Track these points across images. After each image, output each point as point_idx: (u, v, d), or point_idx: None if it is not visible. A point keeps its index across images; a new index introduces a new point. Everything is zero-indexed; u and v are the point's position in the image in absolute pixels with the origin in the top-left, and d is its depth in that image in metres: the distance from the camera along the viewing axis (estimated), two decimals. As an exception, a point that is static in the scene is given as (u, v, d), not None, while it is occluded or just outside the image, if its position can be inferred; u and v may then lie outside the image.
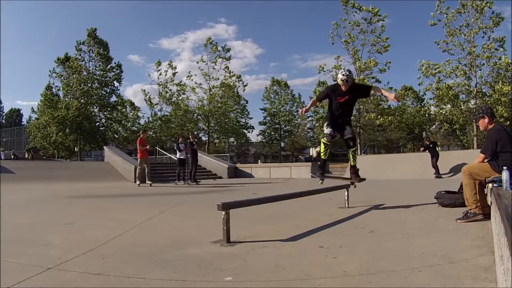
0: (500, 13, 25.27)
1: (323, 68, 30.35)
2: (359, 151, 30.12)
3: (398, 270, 2.39)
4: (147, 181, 12.63)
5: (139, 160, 12.91)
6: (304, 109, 5.74)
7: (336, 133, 5.41)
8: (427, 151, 14.31)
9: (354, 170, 5.60)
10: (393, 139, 47.02)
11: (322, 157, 5.58)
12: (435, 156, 13.69)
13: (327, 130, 5.35)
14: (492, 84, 25.88)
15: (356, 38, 29.12)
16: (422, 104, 41.46)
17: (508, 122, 24.63)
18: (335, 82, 5.30)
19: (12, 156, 35.37)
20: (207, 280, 2.35)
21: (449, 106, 27.14)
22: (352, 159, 5.58)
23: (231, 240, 3.36)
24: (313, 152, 62.82)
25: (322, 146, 5.48)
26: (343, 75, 5.08)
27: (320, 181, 5.77)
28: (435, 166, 13.49)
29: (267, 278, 2.35)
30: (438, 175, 13.24)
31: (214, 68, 35.99)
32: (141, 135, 13.40)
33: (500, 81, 25.10)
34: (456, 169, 13.03)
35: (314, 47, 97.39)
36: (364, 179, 5.62)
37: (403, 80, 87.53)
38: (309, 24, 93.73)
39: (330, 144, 5.42)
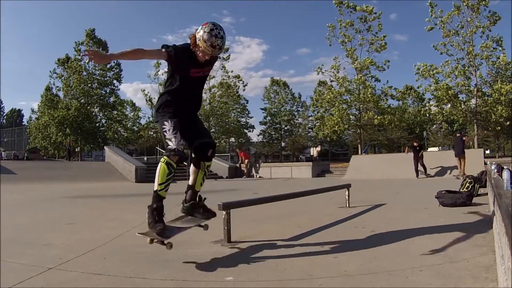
0: (496, 11, 25.28)
1: (321, 69, 30.38)
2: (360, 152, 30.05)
3: (399, 270, 2.39)
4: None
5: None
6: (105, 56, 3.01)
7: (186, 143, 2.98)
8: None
9: (201, 201, 3.14)
10: (394, 138, 46.98)
11: (161, 193, 2.84)
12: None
13: (174, 140, 2.80)
14: (492, 83, 25.88)
15: (353, 38, 29.24)
16: (423, 103, 41.50)
17: (508, 122, 24.60)
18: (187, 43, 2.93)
19: (13, 157, 35.46)
20: (208, 280, 2.35)
21: (449, 105, 27.15)
22: (201, 180, 3.14)
23: (232, 240, 3.36)
24: (313, 152, 62.83)
25: (164, 169, 2.78)
26: (216, 35, 2.78)
27: (167, 244, 2.70)
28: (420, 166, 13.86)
29: (268, 278, 2.35)
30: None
31: (212, 69, 36.07)
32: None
33: (499, 80, 25.10)
34: (456, 168, 13.03)
35: (323, 45, 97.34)
36: (214, 214, 3.13)
37: (405, 79, 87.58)
38: (314, 21, 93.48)
39: (176, 167, 2.83)
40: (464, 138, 13.48)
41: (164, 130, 2.88)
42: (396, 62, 75.35)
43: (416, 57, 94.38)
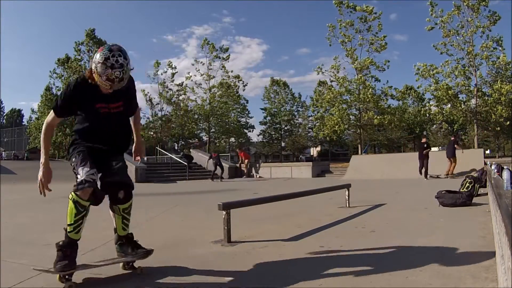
0: (496, 11, 25.27)
1: (321, 69, 30.37)
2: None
3: (399, 270, 2.39)
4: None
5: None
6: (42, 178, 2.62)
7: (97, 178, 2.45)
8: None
9: (129, 240, 2.67)
10: (394, 138, 47.03)
11: (71, 235, 2.45)
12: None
13: (82, 172, 2.37)
14: (492, 83, 25.89)
15: (353, 38, 29.27)
16: (423, 104, 41.53)
17: (508, 122, 24.59)
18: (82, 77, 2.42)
19: (13, 157, 35.53)
20: (208, 280, 2.35)
21: (449, 105, 27.16)
22: (122, 224, 2.66)
23: (232, 240, 3.36)
24: (313, 152, 62.83)
25: (72, 209, 2.43)
26: (112, 66, 2.18)
27: (67, 283, 2.25)
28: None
29: (268, 278, 2.36)
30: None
31: (211, 69, 36.17)
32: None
33: (499, 80, 25.10)
34: (457, 168, 13.03)
35: (323, 45, 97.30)
36: (151, 251, 2.61)
37: (405, 79, 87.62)
38: (314, 21, 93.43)
39: (89, 205, 2.46)
40: (456, 146, 13.24)
41: (73, 167, 2.44)
42: (396, 62, 75.48)
43: (416, 57, 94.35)
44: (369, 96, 27.86)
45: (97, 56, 2.22)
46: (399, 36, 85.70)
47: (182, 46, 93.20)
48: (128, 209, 2.61)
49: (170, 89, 37.52)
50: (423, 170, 13.01)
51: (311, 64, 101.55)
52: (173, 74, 37.19)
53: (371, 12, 28.57)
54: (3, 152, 36.46)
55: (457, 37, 26.04)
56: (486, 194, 6.31)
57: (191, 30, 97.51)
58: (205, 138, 41.07)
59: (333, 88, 30.41)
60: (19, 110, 77.91)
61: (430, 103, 29.94)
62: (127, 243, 2.62)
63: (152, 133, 38.69)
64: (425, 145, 13.33)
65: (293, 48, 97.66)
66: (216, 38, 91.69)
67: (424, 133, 43.34)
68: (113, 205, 2.61)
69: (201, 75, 36.37)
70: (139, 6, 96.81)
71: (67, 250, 2.34)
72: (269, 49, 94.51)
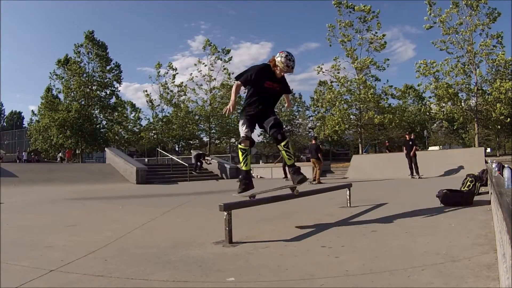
0: (496, 8, 25.18)
1: (321, 68, 30.36)
2: (367, 148, 30.04)
3: (401, 269, 2.39)
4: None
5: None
6: (230, 106, 4.04)
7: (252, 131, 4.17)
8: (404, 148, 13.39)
9: (294, 168, 4.21)
10: (394, 138, 47.01)
11: (243, 167, 4.18)
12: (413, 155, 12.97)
13: (243, 131, 4.08)
14: (492, 81, 25.87)
15: (352, 37, 29.28)
16: (423, 102, 41.50)
17: (509, 119, 24.56)
18: (266, 63, 4.18)
19: (17, 155, 35.67)
20: (209, 281, 2.35)
21: (449, 104, 27.15)
22: (287, 156, 4.20)
23: (233, 241, 3.36)
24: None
25: (240, 152, 4.13)
26: (289, 59, 3.96)
27: (249, 196, 4.19)
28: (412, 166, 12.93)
29: (269, 279, 2.35)
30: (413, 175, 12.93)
31: (212, 70, 36.25)
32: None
33: (498, 79, 25.08)
34: (457, 168, 13.02)
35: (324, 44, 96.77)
36: (304, 178, 4.13)
37: (405, 79, 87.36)
38: (319, 19, 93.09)
39: (249, 148, 4.12)
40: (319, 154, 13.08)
41: (239, 125, 4.20)
42: (395, 61, 75.14)
43: (417, 55, 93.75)
44: (370, 95, 27.86)
45: (282, 54, 4.01)
46: (415, 30, 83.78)
47: (187, 42, 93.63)
48: (286, 145, 4.12)
49: (171, 91, 37.59)
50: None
51: (319, 61, 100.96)
52: (174, 76, 37.29)
53: (369, 11, 28.58)
54: (24, 153, 36.58)
55: (456, 36, 26.04)
56: (487, 192, 6.30)
57: (197, 25, 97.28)
58: (205, 139, 41.09)
59: (333, 88, 30.42)
60: (19, 113, 77.99)
61: (431, 100, 29.94)
62: (295, 172, 4.19)
63: (152, 134, 38.73)
64: (411, 142, 13.09)
65: (299, 45, 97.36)
66: (222, 33, 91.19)
67: (425, 132, 43.26)
68: (277, 145, 4.18)
69: (203, 76, 36.47)
70: (139, 7, 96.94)
71: (247, 179, 4.22)
72: (276, 45, 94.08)
